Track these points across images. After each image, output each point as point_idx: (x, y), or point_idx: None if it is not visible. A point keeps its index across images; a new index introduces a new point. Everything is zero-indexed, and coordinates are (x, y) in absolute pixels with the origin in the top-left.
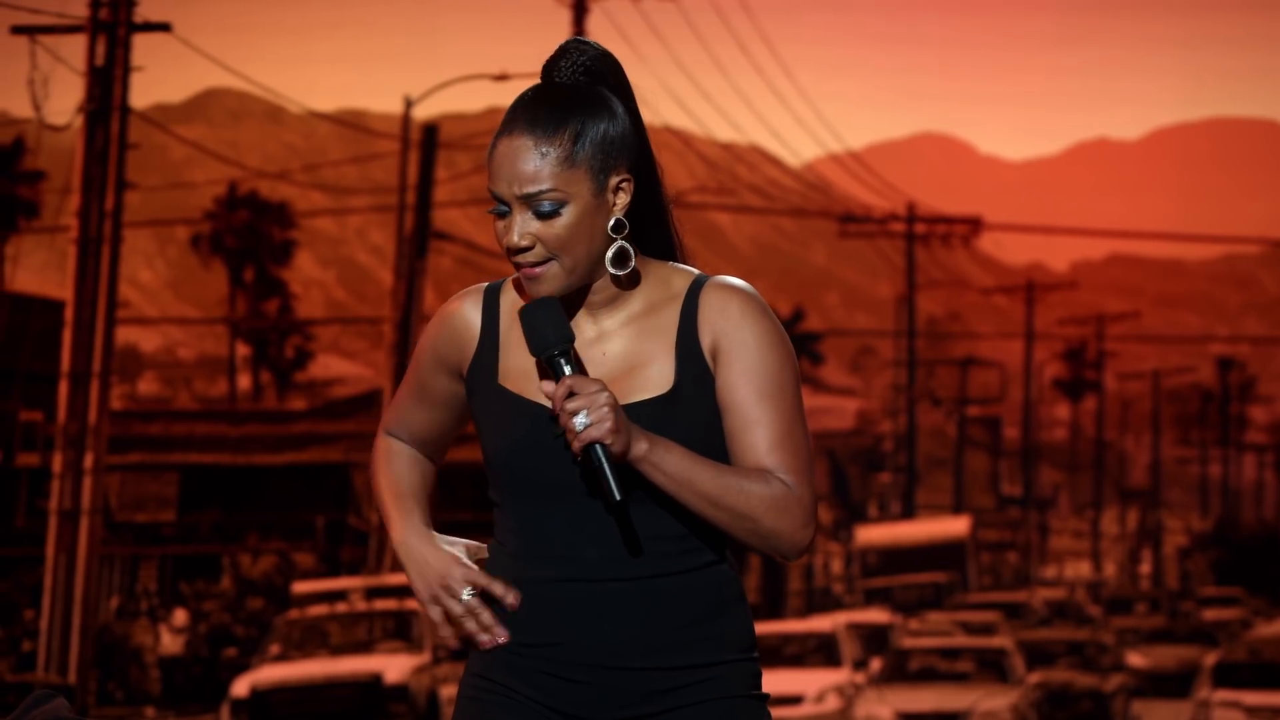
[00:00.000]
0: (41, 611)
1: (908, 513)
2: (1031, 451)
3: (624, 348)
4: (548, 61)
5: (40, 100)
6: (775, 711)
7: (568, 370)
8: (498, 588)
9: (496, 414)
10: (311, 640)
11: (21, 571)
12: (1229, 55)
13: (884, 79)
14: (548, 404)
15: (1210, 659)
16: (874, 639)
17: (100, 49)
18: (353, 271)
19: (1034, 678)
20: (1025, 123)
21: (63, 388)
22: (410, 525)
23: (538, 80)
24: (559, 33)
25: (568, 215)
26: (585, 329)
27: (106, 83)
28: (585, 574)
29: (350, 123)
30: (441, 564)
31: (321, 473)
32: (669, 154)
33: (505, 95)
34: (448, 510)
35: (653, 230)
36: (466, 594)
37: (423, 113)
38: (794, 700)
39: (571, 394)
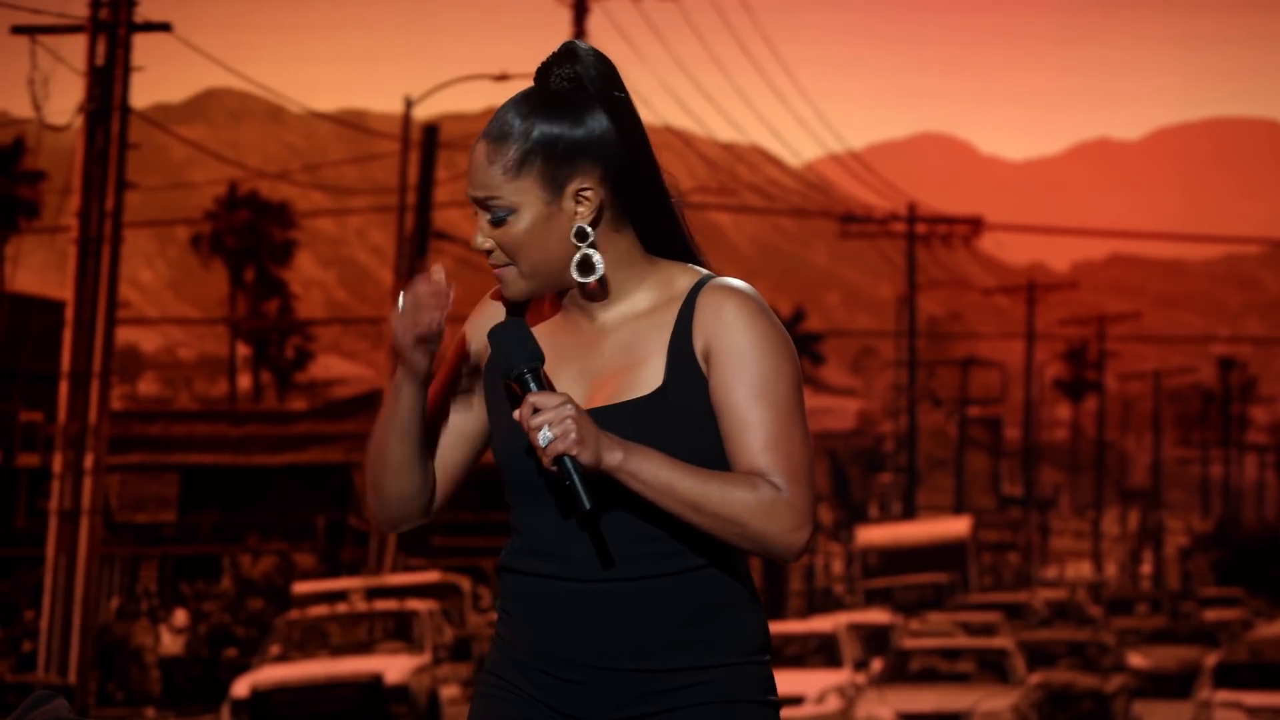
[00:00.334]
0: (42, 612)
1: (909, 513)
2: (1032, 452)
3: (621, 345)
4: (540, 66)
5: (40, 100)
6: None
7: (533, 388)
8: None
9: (501, 414)
10: (312, 641)
11: (21, 572)
12: (1230, 55)
13: (885, 78)
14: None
15: (1211, 659)
16: (875, 639)
17: (100, 49)
18: (353, 271)
19: (1035, 678)
20: (1026, 122)
21: (63, 388)
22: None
23: (531, 79)
24: (559, 33)
25: (517, 223)
26: (583, 326)
27: (107, 83)
28: (576, 573)
29: (350, 123)
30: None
31: (322, 473)
32: (669, 154)
33: (505, 95)
34: (448, 510)
35: (661, 232)
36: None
37: (423, 113)
38: (795, 701)
39: (536, 410)
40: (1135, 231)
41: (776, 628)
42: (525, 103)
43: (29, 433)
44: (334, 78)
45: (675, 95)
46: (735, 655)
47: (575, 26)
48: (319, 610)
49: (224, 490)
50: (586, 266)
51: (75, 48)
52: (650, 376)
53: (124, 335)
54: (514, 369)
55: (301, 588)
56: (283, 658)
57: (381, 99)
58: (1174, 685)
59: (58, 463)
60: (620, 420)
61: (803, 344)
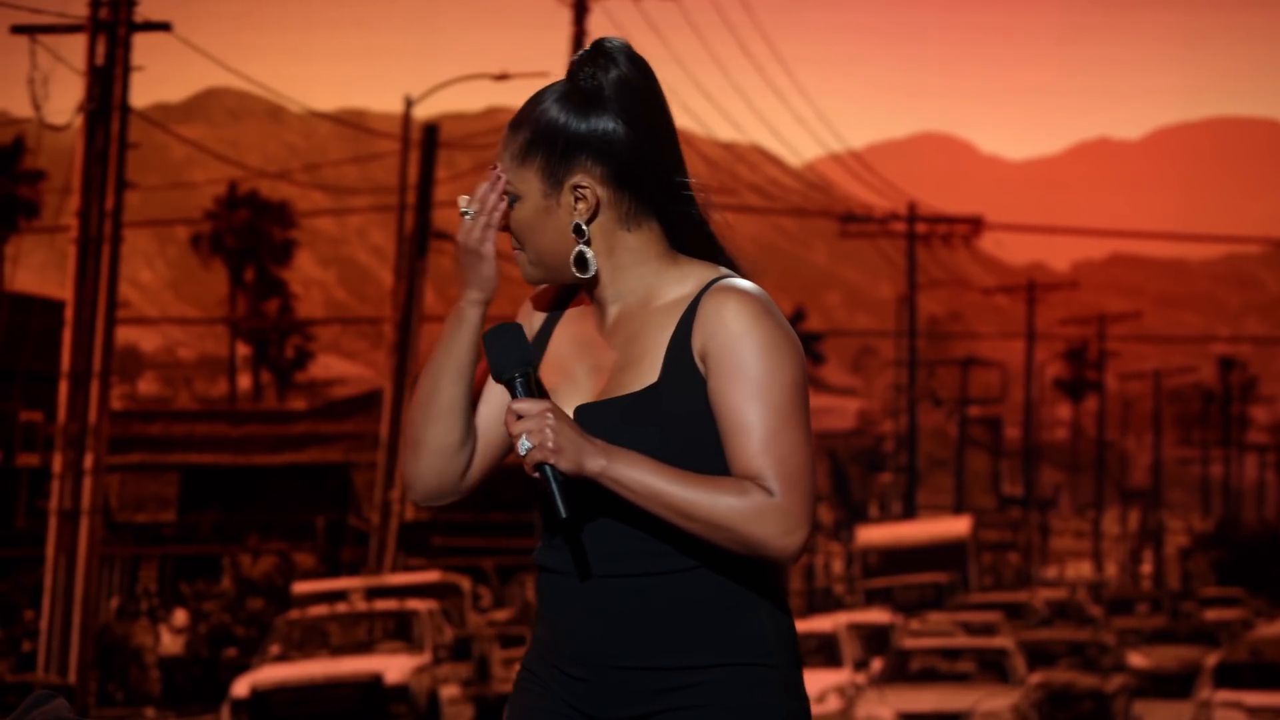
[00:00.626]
0: (41, 612)
1: (909, 513)
2: (1033, 452)
3: (627, 341)
4: (572, 61)
5: (40, 100)
6: None
7: (520, 393)
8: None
9: None
10: (312, 640)
11: (21, 572)
12: (1231, 54)
13: (885, 78)
14: (566, 403)
15: (1212, 659)
16: (875, 639)
17: (100, 49)
18: (353, 271)
19: (1035, 678)
20: (1026, 122)
21: (63, 388)
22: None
23: (531, 79)
24: (559, 32)
25: (521, 210)
26: (601, 320)
27: (106, 82)
28: (585, 569)
29: (350, 122)
30: None
31: (321, 473)
32: None
33: (505, 95)
34: (448, 510)
35: (682, 231)
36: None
37: (423, 112)
38: None
39: (519, 418)
40: (1135, 231)
41: None
42: (547, 94)
43: (29, 433)
44: (334, 77)
45: (675, 95)
46: (739, 656)
47: (575, 26)
48: (319, 610)
49: (224, 490)
50: (581, 263)
51: (75, 47)
52: (646, 374)
53: (124, 335)
54: (503, 373)
55: (301, 588)
56: (283, 658)
57: (381, 98)
58: (1174, 685)
59: (58, 463)
60: (610, 416)
61: (803, 344)
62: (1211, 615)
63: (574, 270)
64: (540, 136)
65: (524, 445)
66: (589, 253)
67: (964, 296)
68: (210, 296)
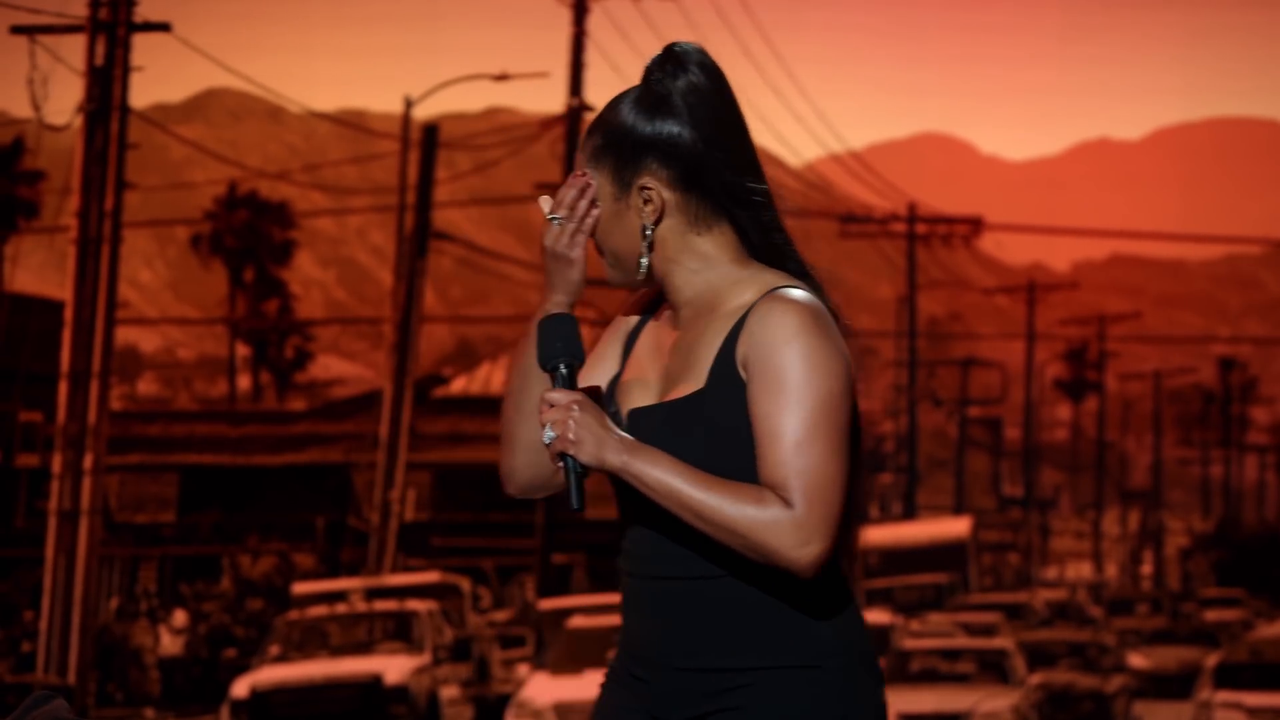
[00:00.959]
0: (41, 612)
1: (909, 513)
2: (1033, 452)
3: (690, 346)
4: (647, 65)
5: (40, 100)
6: None
7: (558, 384)
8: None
9: None
10: (311, 641)
11: (21, 572)
12: (1231, 54)
13: (885, 78)
14: (633, 405)
15: (1212, 660)
16: (875, 640)
17: (100, 49)
18: (353, 271)
19: (1035, 679)
20: (1026, 122)
21: (62, 388)
22: None
23: (531, 79)
24: (559, 32)
25: (599, 208)
26: (674, 324)
27: (106, 83)
28: (643, 570)
29: (350, 123)
30: None
31: (321, 473)
32: None
33: (505, 95)
34: (448, 510)
35: (757, 236)
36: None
37: (423, 113)
38: None
39: (550, 407)
40: (1135, 231)
41: None
42: (622, 99)
43: (28, 433)
44: (334, 77)
45: None
46: (790, 659)
47: (575, 26)
48: (319, 610)
49: (224, 490)
50: (642, 267)
51: (75, 47)
52: (695, 380)
53: (123, 335)
54: (546, 362)
55: (301, 588)
56: (282, 658)
57: (381, 98)
58: (1174, 686)
59: (57, 463)
60: (654, 420)
61: None
62: (1211, 616)
63: (641, 272)
64: (610, 139)
65: (548, 435)
66: (645, 258)
67: (964, 297)
68: (210, 297)
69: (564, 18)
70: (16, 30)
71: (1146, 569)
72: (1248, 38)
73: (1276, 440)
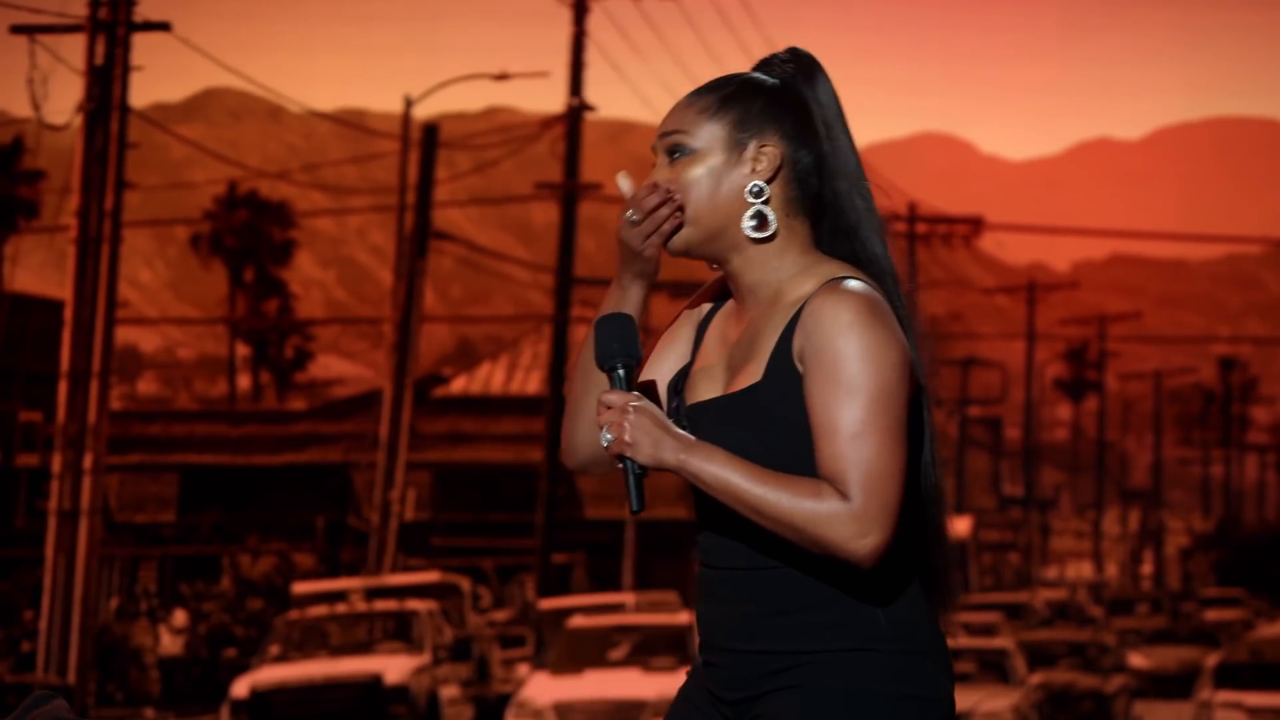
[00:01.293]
0: (41, 612)
1: None
2: (1033, 452)
3: (752, 339)
4: (766, 57)
5: (40, 100)
6: None
7: (616, 384)
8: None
9: None
10: (311, 641)
11: (21, 572)
12: (1231, 54)
13: (885, 77)
14: (698, 398)
15: (1212, 660)
16: None
17: (100, 48)
18: (353, 271)
19: (1035, 679)
20: (1027, 122)
21: (62, 388)
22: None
23: (531, 78)
24: (559, 32)
25: (694, 163)
26: (741, 316)
27: (106, 82)
28: (711, 560)
29: (350, 122)
30: None
31: (321, 473)
32: None
33: (505, 95)
34: (448, 510)
35: (841, 240)
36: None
37: (423, 112)
38: None
39: (607, 408)
40: (1136, 231)
41: None
42: (743, 73)
43: (28, 433)
44: (333, 77)
45: (675, 94)
46: (844, 642)
47: (575, 26)
48: (318, 610)
49: (223, 490)
50: (760, 221)
51: (74, 47)
52: (754, 372)
53: (123, 335)
54: (604, 363)
55: (301, 588)
56: (282, 658)
57: (381, 98)
58: (1174, 685)
59: (57, 463)
60: (714, 413)
61: None
62: (1212, 616)
63: (749, 232)
64: (741, 92)
65: (605, 437)
66: (769, 212)
67: (964, 297)
68: (210, 297)
69: (564, 17)
70: (16, 30)
71: (1147, 569)
72: (1248, 38)
73: (1277, 440)
